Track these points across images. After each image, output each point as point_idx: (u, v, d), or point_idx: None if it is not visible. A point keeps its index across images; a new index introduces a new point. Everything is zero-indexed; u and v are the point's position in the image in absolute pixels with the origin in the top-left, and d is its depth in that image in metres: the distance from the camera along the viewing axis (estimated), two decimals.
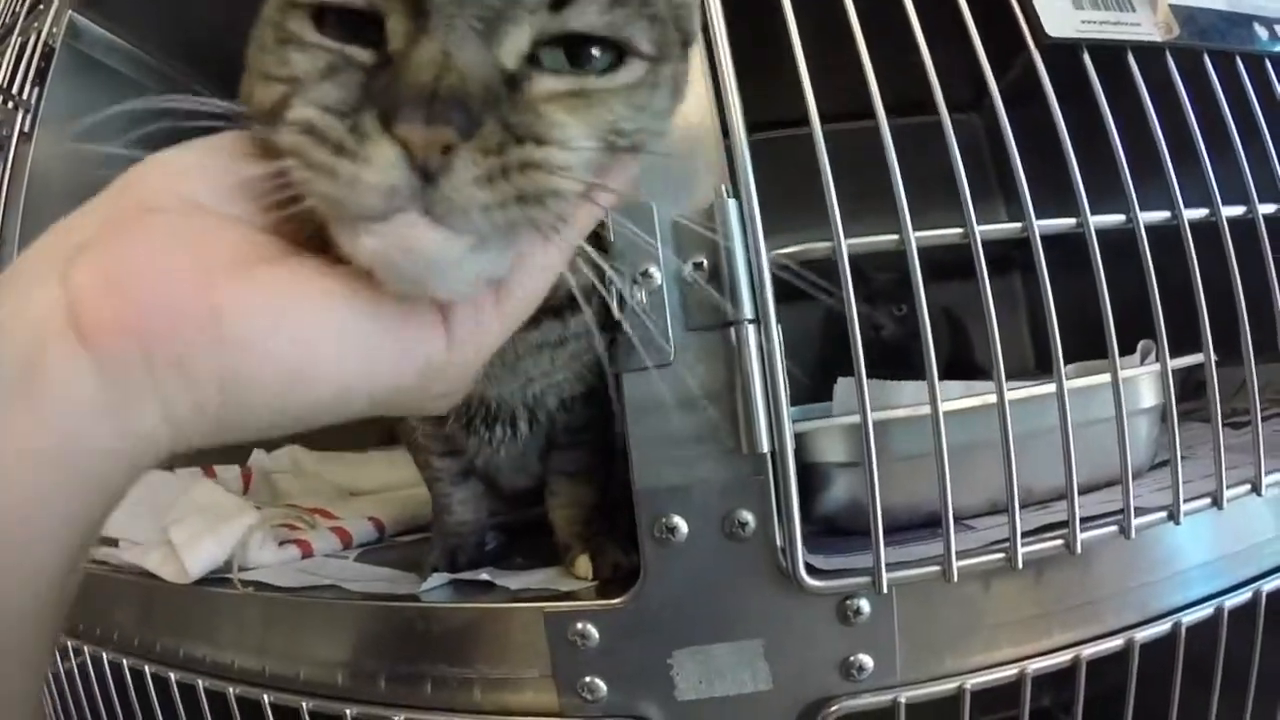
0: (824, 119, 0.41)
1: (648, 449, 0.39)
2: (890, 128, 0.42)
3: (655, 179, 0.40)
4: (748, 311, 0.38)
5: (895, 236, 0.39)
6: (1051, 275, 0.42)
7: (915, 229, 0.40)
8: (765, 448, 0.38)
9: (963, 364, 0.85)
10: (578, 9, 0.23)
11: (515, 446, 0.50)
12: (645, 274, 0.38)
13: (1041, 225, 0.42)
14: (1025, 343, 0.99)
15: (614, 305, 0.36)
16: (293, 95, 0.22)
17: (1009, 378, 0.74)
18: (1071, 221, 0.43)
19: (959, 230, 0.41)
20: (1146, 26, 0.49)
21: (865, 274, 0.80)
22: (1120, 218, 0.44)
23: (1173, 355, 0.46)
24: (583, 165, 0.23)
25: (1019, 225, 0.42)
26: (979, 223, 0.41)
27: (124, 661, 0.55)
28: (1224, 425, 0.49)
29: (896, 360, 0.73)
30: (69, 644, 0.60)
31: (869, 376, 0.40)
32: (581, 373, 0.47)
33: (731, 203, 0.39)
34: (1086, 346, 0.45)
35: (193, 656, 0.52)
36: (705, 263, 0.39)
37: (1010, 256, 0.94)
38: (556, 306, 0.40)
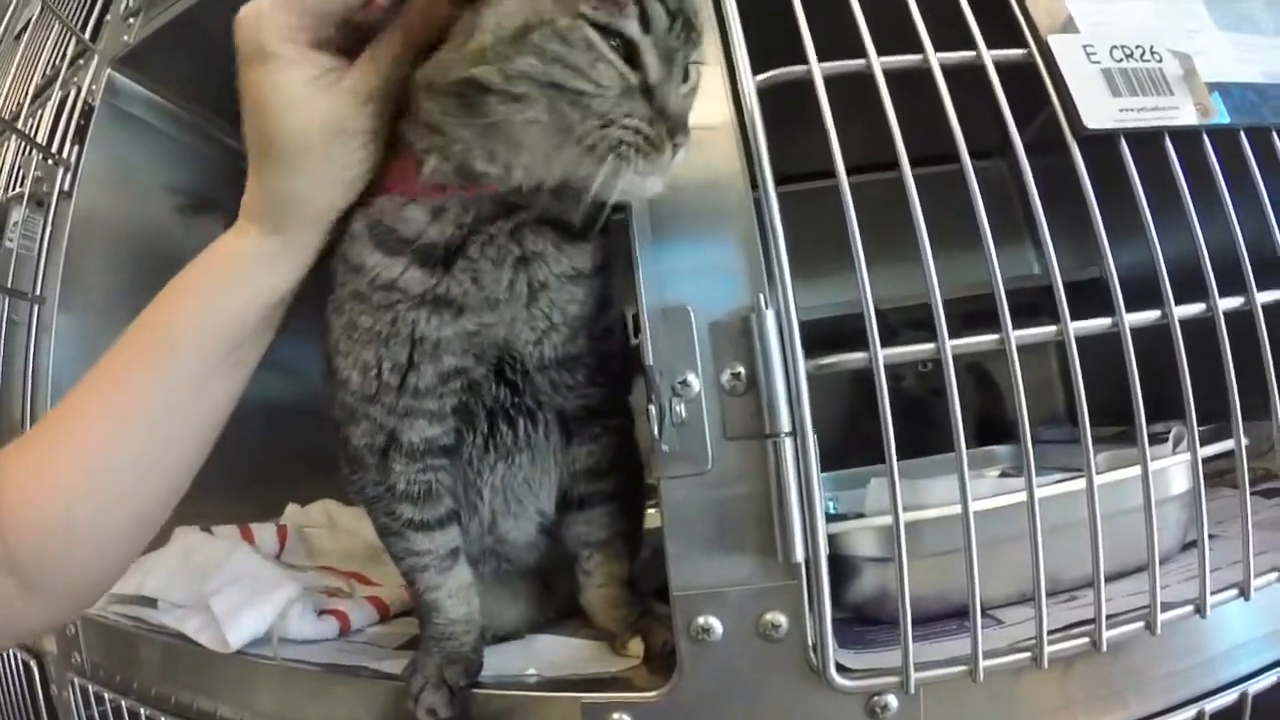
0: (851, 170, 0.42)
1: (685, 553, 0.40)
2: (920, 176, 0.42)
3: (693, 282, 0.40)
4: (784, 425, 0.39)
5: (932, 346, 0.40)
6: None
7: (945, 276, 0.41)
8: (799, 557, 0.39)
9: (993, 421, 0.83)
10: (695, 54, 0.40)
11: (525, 470, 0.49)
12: (684, 383, 0.39)
13: (1076, 327, 0.42)
14: (1056, 389, 0.97)
15: (654, 421, 0.37)
16: (601, 98, 0.37)
17: (1039, 424, 0.72)
18: (1107, 322, 0.43)
19: (995, 337, 0.41)
20: (1184, 110, 0.49)
21: (893, 329, 0.79)
22: (1155, 314, 0.44)
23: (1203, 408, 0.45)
24: None
25: (1054, 329, 0.42)
26: (1005, 268, 0.41)
27: (141, 710, 0.58)
28: (1256, 494, 0.49)
29: (918, 414, 0.72)
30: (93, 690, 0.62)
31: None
32: (598, 344, 0.47)
33: (769, 313, 0.39)
34: (1123, 399, 0.44)
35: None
36: (743, 372, 0.39)
37: (1038, 304, 0.93)
38: (584, 227, 0.44)
